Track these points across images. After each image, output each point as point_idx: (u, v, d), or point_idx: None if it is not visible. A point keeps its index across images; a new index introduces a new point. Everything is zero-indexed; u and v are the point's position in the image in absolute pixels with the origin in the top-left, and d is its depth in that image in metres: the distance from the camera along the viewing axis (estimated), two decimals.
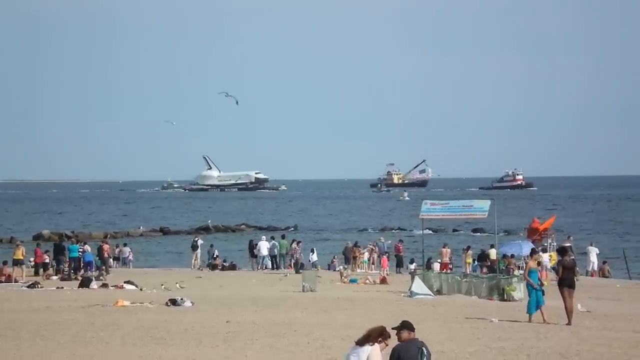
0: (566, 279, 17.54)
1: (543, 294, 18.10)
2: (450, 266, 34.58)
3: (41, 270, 31.78)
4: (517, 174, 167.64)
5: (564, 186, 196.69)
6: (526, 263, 19.36)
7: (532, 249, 22.55)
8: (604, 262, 34.95)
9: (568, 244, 30.18)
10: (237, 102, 64.05)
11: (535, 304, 17.99)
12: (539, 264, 31.99)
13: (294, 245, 37.54)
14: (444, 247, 34.59)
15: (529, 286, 18.27)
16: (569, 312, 17.41)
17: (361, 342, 9.28)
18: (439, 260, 34.05)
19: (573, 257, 20.48)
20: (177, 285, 26.68)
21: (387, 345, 9.38)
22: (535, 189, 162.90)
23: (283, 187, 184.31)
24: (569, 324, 17.24)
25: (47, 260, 32.01)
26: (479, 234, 59.80)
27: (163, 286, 26.43)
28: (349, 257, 36.59)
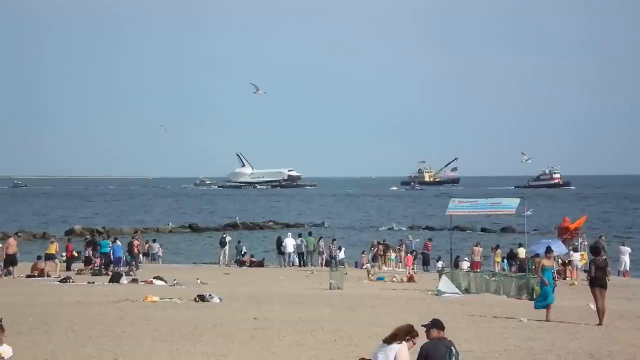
0: (598, 279, 17.34)
1: (553, 291, 18.17)
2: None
3: (82, 264, 32.20)
4: (555, 172, 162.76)
5: (602, 185, 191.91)
6: (539, 260, 19.34)
7: (548, 247, 22.38)
8: (563, 263, 32.30)
9: (601, 243, 29.79)
10: (255, 92, 66.06)
11: (543, 300, 17.95)
12: (568, 262, 31.85)
13: (322, 242, 37.65)
14: (476, 246, 34.37)
15: (542, 283, 18.25)
16: (600, 312, 17.20)
17: (389, 340, 9.27)
18: (466, 259, 33.84)
19: (605, 257, 20.22)
20: (198, 281, 26.78)
21: (414, 344, 9.35)
22: (574, 187, 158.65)
23: (309, 186, 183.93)
24: (600, 324, 17.03)
25: (88, 254, 32.36)
26: (508, 233, 59.28)
27: (175, 281, 26.65)
28: (375, 255, 36.58)
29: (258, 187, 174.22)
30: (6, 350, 7.92)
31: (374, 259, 36.26)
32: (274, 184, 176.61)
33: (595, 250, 18.37)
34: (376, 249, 36.86)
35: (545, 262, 18.84)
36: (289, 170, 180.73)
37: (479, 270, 30.51)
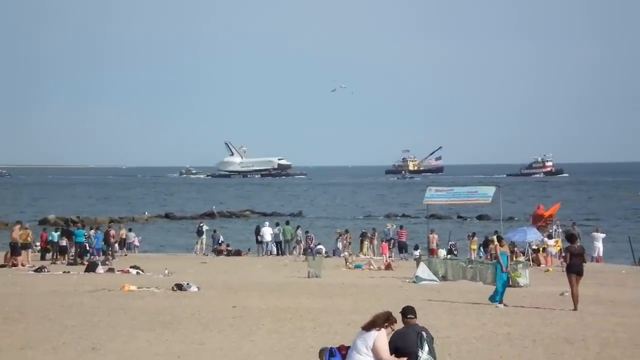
0: (574, 265, 17.60)
1: (507, 277, 18.79)
2: (455, 252, 34.62)
3: (57, 254, 31.82)
4: (547, 160, 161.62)
5: (595, 173, 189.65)
6: (495, 245, 19.66)
7: (498, 235, 22.84)
8: (536, 250, 32.29)
9: (576, 230, 30.21)
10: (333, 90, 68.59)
11: (498, 295, 18.29)
12: (543, 249, 32.21)
13: (299, 231, 37.67)
14: (431, 233, 34.53)
15: (498, 270, 18.64)
16: (575, 298, 17.47)
17: (367, 327, 9.33)
18: (419, 251, 33.87)
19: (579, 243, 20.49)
20: (166, 271, 26.47)
21: (393, 330, 9.41)
22: (567, 175, 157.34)
23: (300, 175, 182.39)
24: (575, 309, 17.29)
25: (65, 244, 31.96)
26: (484, 220, 59.83)
27: (167, 271, 26.51)
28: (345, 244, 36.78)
29: (248, 176, 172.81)
30: None
31: (343, 247, 36.42)
32: (264, 173, 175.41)
33: (570, 237, 18.67)
34: (345, 237, 37.00)
35: (501, 248, 19.14)
36: (279, 159, 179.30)
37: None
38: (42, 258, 31.90)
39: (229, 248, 37.96)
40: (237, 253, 37.33)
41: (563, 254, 24.69)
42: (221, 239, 38.94)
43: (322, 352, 9.70)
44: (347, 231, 38.52)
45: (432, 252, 32.84)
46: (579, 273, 17.57)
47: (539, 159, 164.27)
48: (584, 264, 17.88)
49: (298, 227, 39.55)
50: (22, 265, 28.54)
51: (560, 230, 33.90)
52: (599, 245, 33.91)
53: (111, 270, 27.19)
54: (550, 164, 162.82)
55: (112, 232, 35.02)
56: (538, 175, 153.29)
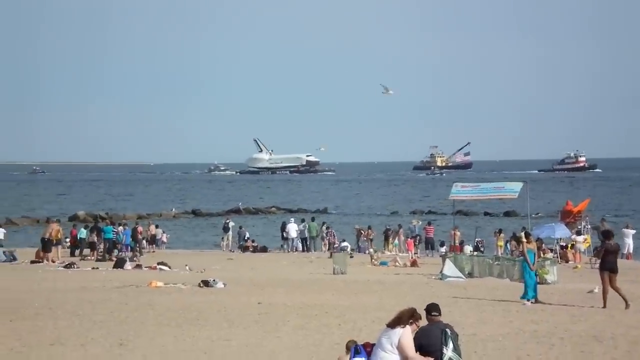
0: (609, 263, 17.35)
1: (535, 274, 18.54)
2: (482, 249, 34.37)
3: (87, 250, 32.24)
4: (580, 156, 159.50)
5: (630, 167, 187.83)
6: (522, 242, 19.35)
7: (526, 232, 22.49)
8: (564, 247, 31.95)
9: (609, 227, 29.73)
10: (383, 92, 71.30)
11: (534, 286, 18.06)
12: (571, 246, 31.84)
13: (323, 228, 37.71)
14: (454, 230, 34.32)
15: (526, 267, 18.33)
16: (605, 295, 17.22)
17: (392, 325, 9.31)
18: (445, 247, 33.67)
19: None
20: (187, 267, 26.63)
21: (418, 327, 9.39)
22: (600, 171, 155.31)
23: (328, 171, 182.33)
24: (604, 307, 17.07)
25: (94, 240, 32.33)
26: (511, 217, 59.26)
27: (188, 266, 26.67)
28: (359, 239, 36.84)
29: (277, 172, 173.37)
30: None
31: (358, 243, 36.48)
32: (292, 169, 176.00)
33: (606, 234, 18.37)
34: (366, 233, 36.97)
35: (528, 245, 18.91)
36: (307, 156, 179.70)
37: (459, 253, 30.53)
38: (72, 254, 32.33)
39: (254, 244, 38.13)
40: (263, 249, 37.48)
41: (596, 251, 24.33)
42: (247, 235, 39.11)
43: (349, 343, 9.70)
44: (369, 227, 38.41)
45: (454, 249, 32.63)
46: (614, 270, 17.29)
47: (572, 154, 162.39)
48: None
49: (323, 223, 39.58)
50: (52, 261, 28.95)
51: (590, 226, 33.46)
52: (630, 242, 33.41)
53: (139, 266, 27.47)
54: (583, 159, 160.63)
55: (140, 228, 35.38)
56: (569, 172, 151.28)
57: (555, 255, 30.04)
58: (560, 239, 32.16)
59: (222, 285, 20.89)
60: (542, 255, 26.40)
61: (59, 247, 30.85)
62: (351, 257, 31.51)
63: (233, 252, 37.16)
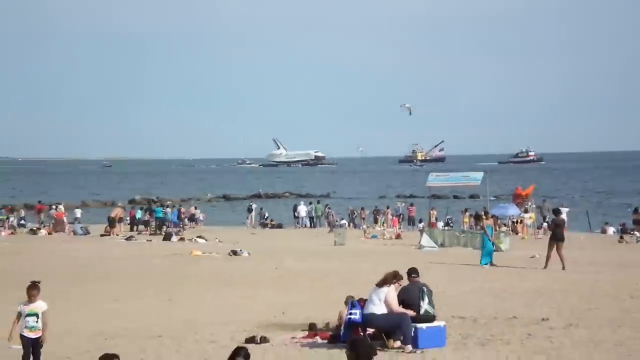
0: (558, 233, 17.52)
1: (492, 244, 18.60)
2: (451, 224, 34.41)
3: (142, 226, 32.43)
4: (530, 151, 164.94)
5: (570, 160, 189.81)
6: (485, 220, 19.50)
7: (485, 211, 22.65)
8: (515, 222, 31.37)
9: (549, 206, 29.78)
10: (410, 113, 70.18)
11: (486, 256, 18.07)
12: (520, 221, 31.88)
13: (326, 209, 37.78)
14: (431, 210, 34.36)
15: (485, 239, 18.29)
16: (548, 259, 17.42)
17: (380, 284, 9.43)
18: (429, 220, 33.61)
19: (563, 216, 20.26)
20: (216, 240, 26.71)
21: (400, 285, 9.51)
22: (544, 163, 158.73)
23: (331, 164, 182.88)
24: (545, 268, 17.22)
25: (147, 219, 32.61)
26: (474, 199, 59.18)
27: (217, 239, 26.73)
28: (353, 219, 36.90)
29: (291, 165, 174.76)
30: (41, 306, 7.62)
31: (353, 221, 36.57)
32: (303, 163, 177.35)
33: (556, 211, 18.70)
34: (360, 213, 37.10)
35: (487, 222, 19.09)
36: (315, 152, 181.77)
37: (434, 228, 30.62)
38: (131, 229, 32.52)
39: (272, 222, 38.26)
40: (279, 226, 37.60)
41: (548, 224, 24.47)
42: (266, 214, 39.22)
43: (348, 298, 9.84)
44: (362, 208, 38.45)
45: (431, 225, 32.71)
46: (561, 239, 17.47)
47: (524, 150, 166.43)
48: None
49: (327, 205, 39.64)
50: (116, 235, 29.22)
51: (534, 206, 33.53)
52: (564, 217, 33.40)
53: (182, 239, 27.63)
54: (532, 153, 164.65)
55: (183, 209, 35.55)
56: (521, 164, 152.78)
57: (508, 229, 30.12)
58: (512, 216, 32.27)
59: (247, 255, 21.02)
60: (497, 229, 26.51)
61: (121, 224, 31.14)
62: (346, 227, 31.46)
63: (255, 228, 37.28)
